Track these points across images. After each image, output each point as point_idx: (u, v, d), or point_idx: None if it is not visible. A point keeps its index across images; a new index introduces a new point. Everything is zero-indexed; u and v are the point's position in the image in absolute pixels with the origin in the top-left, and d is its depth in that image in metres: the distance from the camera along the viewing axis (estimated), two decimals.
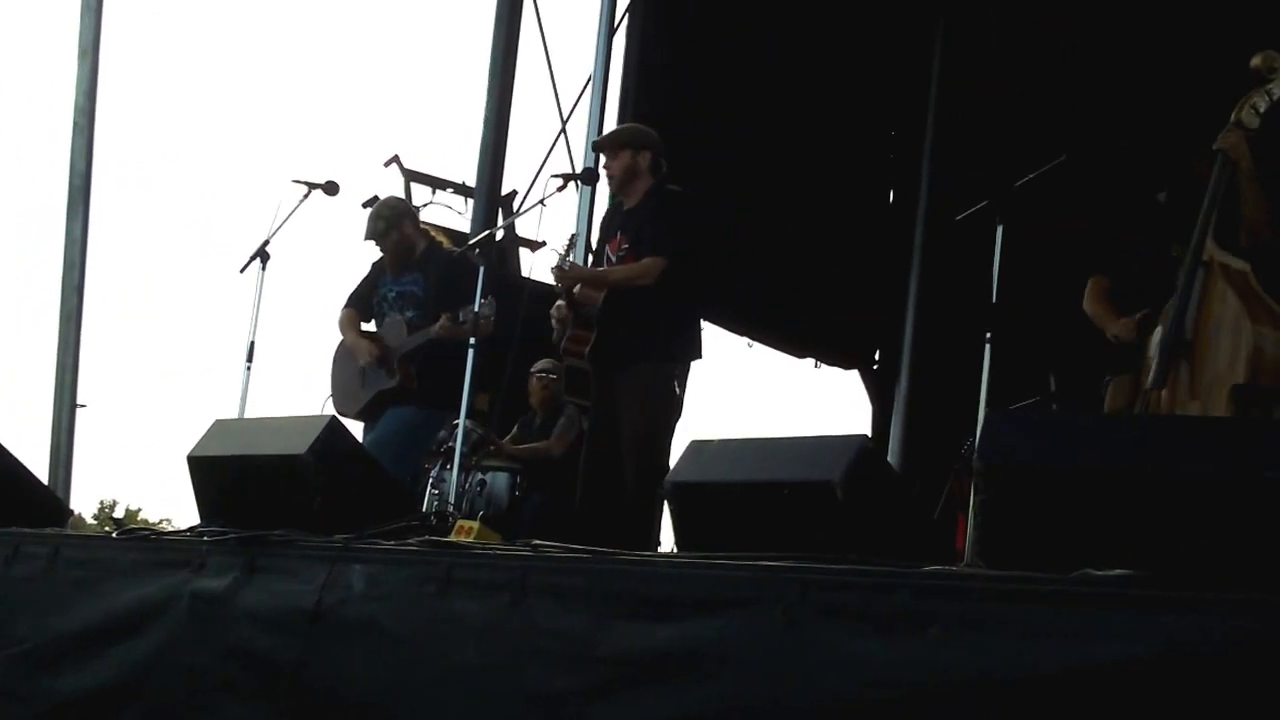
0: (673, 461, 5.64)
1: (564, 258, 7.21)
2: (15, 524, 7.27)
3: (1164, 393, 5.60)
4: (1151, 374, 5.64)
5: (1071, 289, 6.33)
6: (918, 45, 11.75)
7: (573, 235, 7.33)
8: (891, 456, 11.01)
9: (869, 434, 11.68)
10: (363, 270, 8.49)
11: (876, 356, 12.89)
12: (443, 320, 7.64)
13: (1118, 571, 3.91)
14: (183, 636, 5.84)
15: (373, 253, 8.48)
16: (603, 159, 7.46)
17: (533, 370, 9.70)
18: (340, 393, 8.39)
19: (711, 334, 11.54)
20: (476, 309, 7.27)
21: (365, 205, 8.52)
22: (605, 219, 7.69)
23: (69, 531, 8.06)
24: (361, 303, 8.40)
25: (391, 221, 8.27)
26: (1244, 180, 5.78)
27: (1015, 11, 11.27)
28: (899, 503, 5.23)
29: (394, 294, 8.22)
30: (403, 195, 11.46)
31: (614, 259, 7.23)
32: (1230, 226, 5.76)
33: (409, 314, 8.08)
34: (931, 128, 11.59)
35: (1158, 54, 10.32)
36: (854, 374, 13.05)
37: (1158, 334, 5.68)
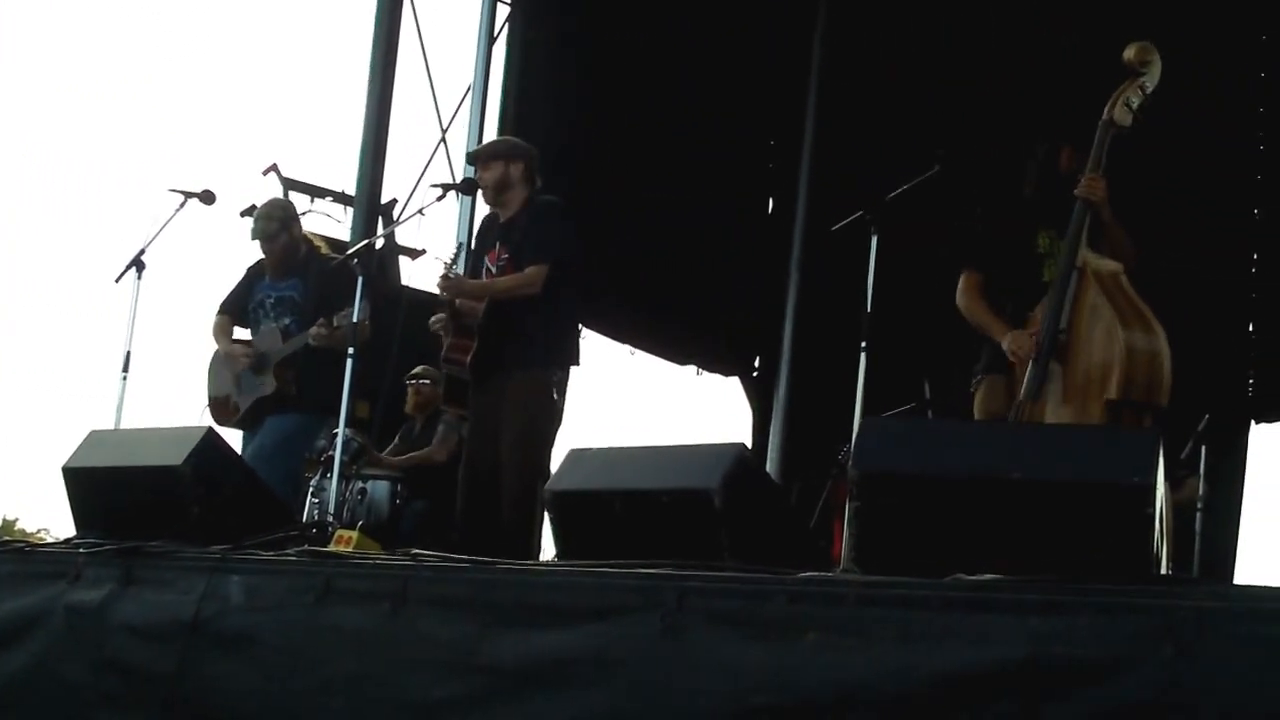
0: (553, 469, 5.67)
1: (450, 267, 7.21)
2: None
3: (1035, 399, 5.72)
4: (1025, 385, 5.75)
5: (945, 297, 6.43)
6: (796, 55, 11.84)
7: (459, 245, 7.33)
8: (771, 463, 11.07)
9: (749, 441, 11.77)
10: (237, 277, 8.44)
11: (756, 364, 12.96)
12: (317, 326, 7.62)
13: (988, 576, 3.99)
14: (58, 649, 5.78)
15: (246, 260, 8.44)
16: (477, 170, 7.48)
17: (407, 378, 9.68)
18: (217, 402, 8.33)
19: (593, 341, 11.59)
20: (354, 316, 7.26)
21: (244, 214, 8.47)
22: (481, 230, 7.70)
23: None
24: (235, 309, 8.35)
25: (284, 223, 8.26)
26: (1106, 224, 5.91)
27: (891, 23, 11.42)
28: (776, 510, 5.30)
29: (272, 299, 8.17)
30: None
31: (493, 269, 7.24)
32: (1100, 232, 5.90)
33: (286, 321, 8.04)
34: (810, 138, 11.66)
35: (1030, 53, 10.52)
36: (735, 381, 13.12)
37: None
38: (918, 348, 8.88)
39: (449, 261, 7.22)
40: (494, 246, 7.30)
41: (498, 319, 7.06)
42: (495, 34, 11.30)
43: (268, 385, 7.97)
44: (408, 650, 4.90)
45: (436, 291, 7.37)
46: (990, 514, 4.20)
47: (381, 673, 4.94)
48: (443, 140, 11.74)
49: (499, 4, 11.34)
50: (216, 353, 8.35)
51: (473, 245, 7.82)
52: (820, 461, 9.04)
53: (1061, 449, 4.37)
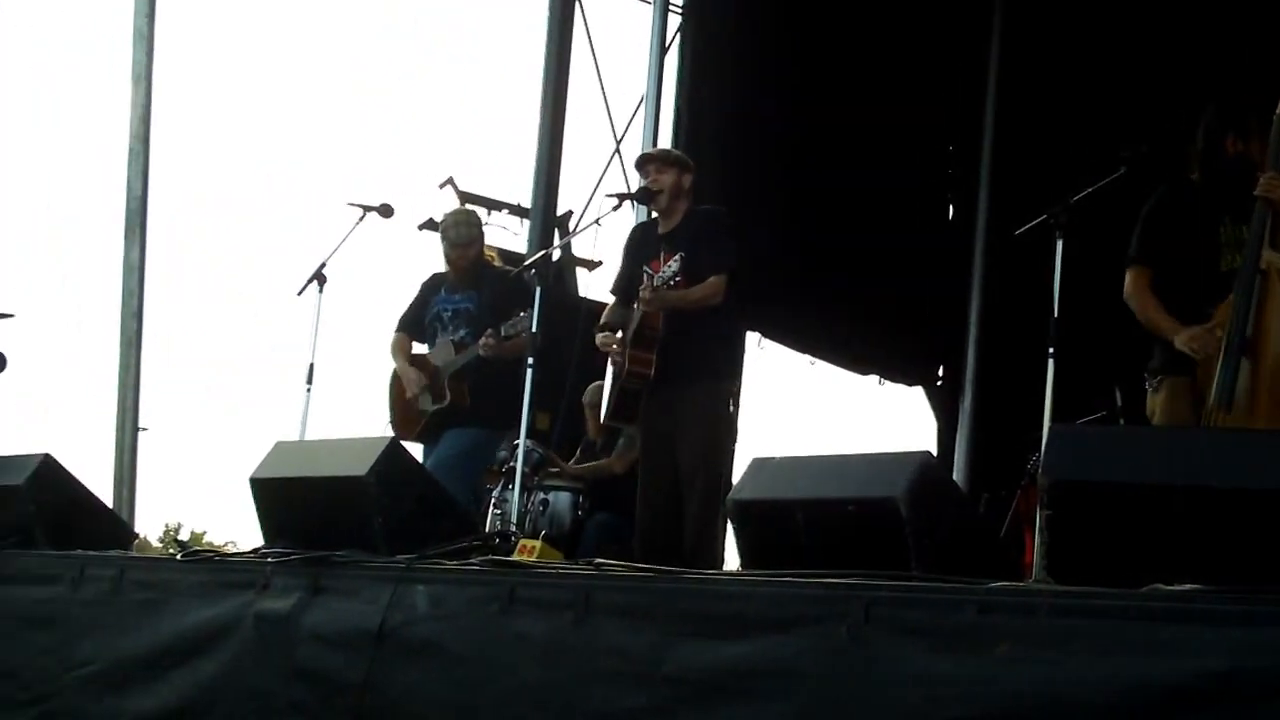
0: (734, 479, 5.63)
1: (667, 280, 7.15)
2: (80, 547, 7.32)
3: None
4: (1215, 389, 5.58)
5: None
6: (974, 60, 11.69)
7: (680, 257, 7.27)
8: (957, 473, 10.94)
9: (933, 451, 11.63)
10: (413, 292, 8.52)
11: (940, 373, 12.82)
12: (486, 337, 7.66)
13: (1186, 586, 3.88)
14: (248, 658, 5.86)
15: (424, 273, 8.51)
16: (645, 177, 7.44)
17: (585, 402, 9.67)
18: (398, 415, 8.42)
19: (773, 352, 11.55)
20: (532, 326, 7.29)
21: (421, 227, 8.55)
22: (637, 239, 7.68)
23: (134, 554, 8.10)
24: (412, 325, 8.42)
25: (479, 230, 8.35)
26: None
27: (1070, 24, 11.22)
28: (964, 519, 5.20)
29: (449, 311, 8.24)
30: None
31: (657, 281, 7.18)
32: None
33: (461, 333, 8.10)
34: (989, 142, 11.52)
35: (1212, 46, 10.26)
36: (918, 391, 13.00)
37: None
38: (1108, 353, 8.69)
39: (667, 274, 7.18)
40: (656, 256, 7.27)
41: (676, 331, 7.04)
42: (667, 44, 11.29)
43: (443, 398, 8.02)
44: (592, 660, 4.88)
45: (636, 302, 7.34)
46: (1187, 523, 4.08)
47: (565, 682, 4.93)
48: (617, 151, 11.79)
49: (670, 14, 11.34)
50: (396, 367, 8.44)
51: (624, 252, 7.81)
52: (1008, 471, 8.90)
53: (1260, 455, 4.23)
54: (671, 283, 7.05)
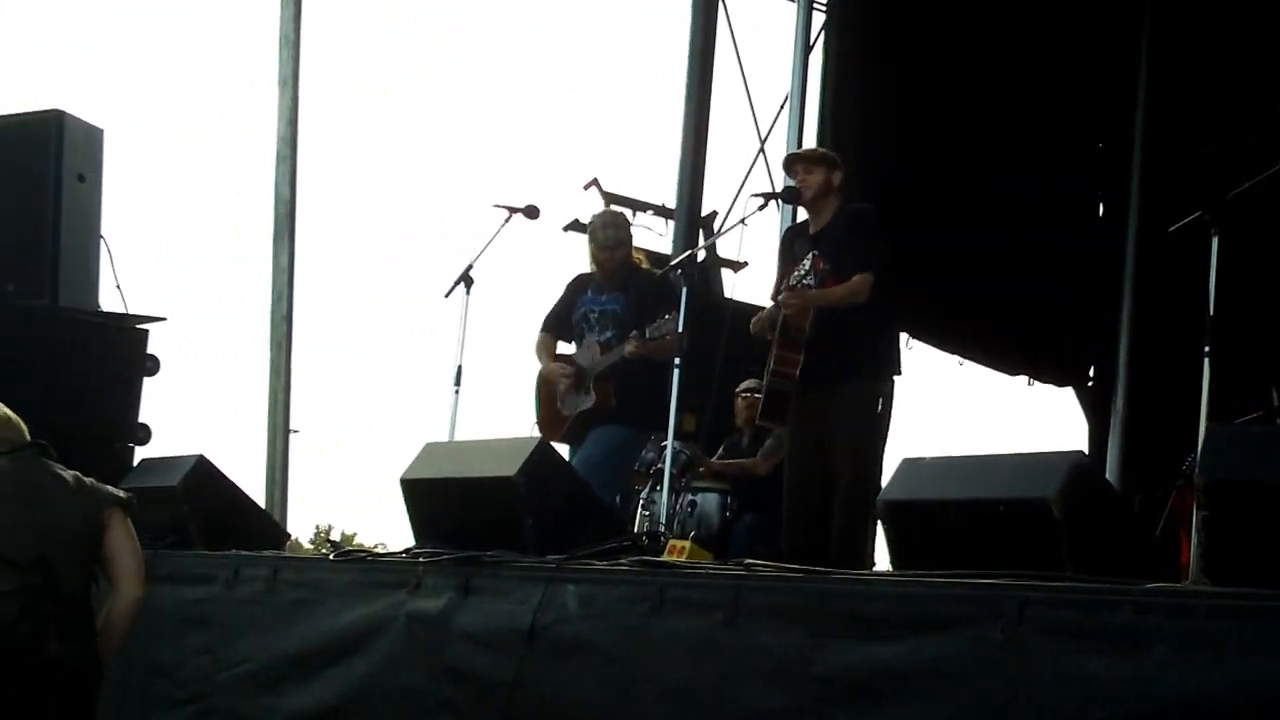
0: (884, 480, 5.60)
1: (801, 278, 7.14)
2: (234, 547, 7.44)
3: None
4: None
5: None
6: (1125, 55, 11.52)
7: (812, 257, 7.25)
8: (1110, 474, 10.76)
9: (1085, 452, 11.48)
10: (559, 293, 8.54)
11: (1091, 373, 12.64)
12: (631, 338, 7.67)
13: None
14: (400, 657, 5.93)
15: (569, 273, 8.54)
16: (794, 176, 7.42)
17: (739, 390, 9.66)
18: (545, 416, 8.44)
19: (922, 353, 11.45)
20: (679, 327, 7.28)
21: (566, 228, 8.57)
22: (788, 239, 7.65)
23: (287, 554, 8.22)
24: (558, 325, 8.43)
25: (627, 231, 8.37)
26: None
27: (1222, 16, 11.01)
28: (1118, 519, 5.13)
29: (595, 313, 8.24)
30: None
31: (809, 280, 7.16)
32: None
33: (608, 334, 8.09)
34: (1140, 139, 11.34)
35: None
36: (1068, 391, 12.82)
37: None
38: (1265, 353, 8.52)
39: (801, 274, 7.17)
40: (808, 255, 7.24)
41: (825, 330, 7.01)
42: (811, 43, 11.22)
43: (589, 399, 8.04)
44: (741, 660, 4.89)
45: (761, 304, 7.34)
46: None
47: (715, 682, 4.94)
48: (761, 150, 11.74)
49: (814, 12, 11.27)
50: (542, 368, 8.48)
51: (779, 255, 7.78)
52: (1162, 471, 8.75)
53: None
54: (808, 282, 7.04)
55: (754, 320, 7.37)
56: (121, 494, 5.27)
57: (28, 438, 5.28)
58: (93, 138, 9.52)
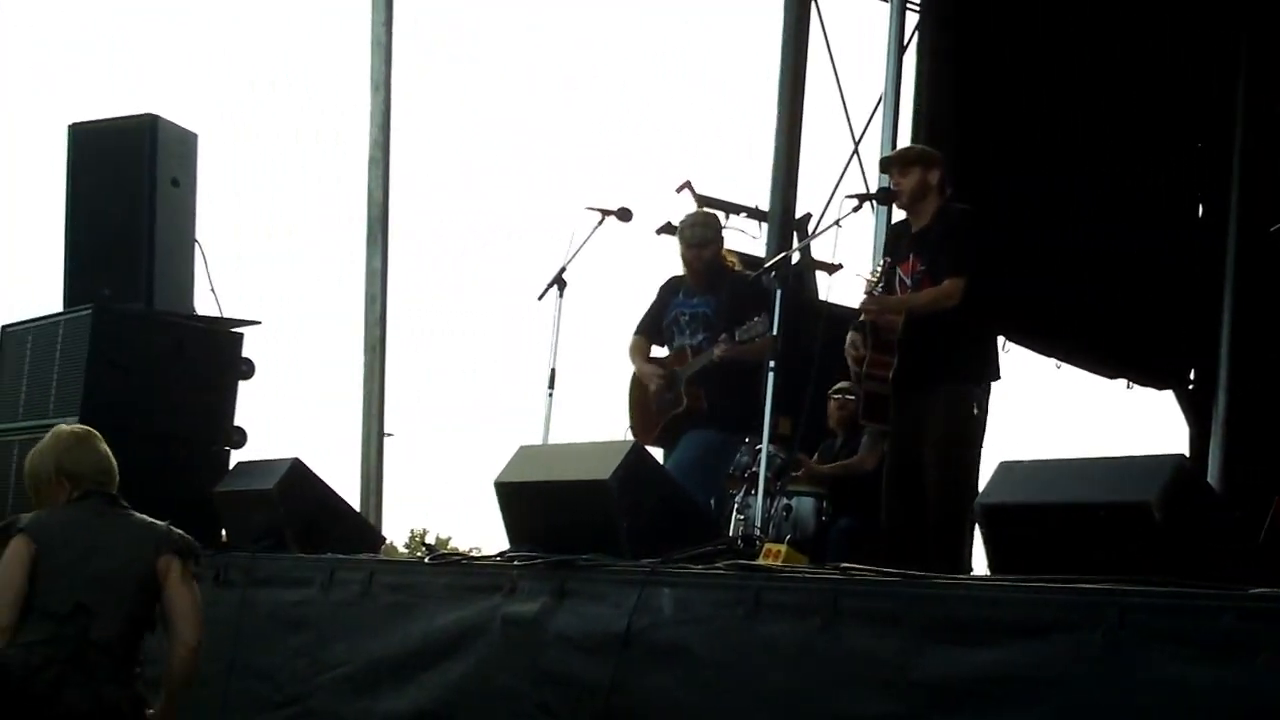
0: (980, 483, 5.55)
1: (875, 286, 7.12)
2: (329, 550, 7.47)
3: None
4: None
5: None
6: (1224, 54, 11.37)
7: (885, 261, 7.23)
8: (1211, 478, 10.61)
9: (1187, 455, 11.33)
10: (652, 296, 8.53)
11: (1191, 375, 12.48)
12: (720, 340, 7.65)
13: None
14: (496, 660, 5.93)
15: (662, 277, 8.52)
16: (891, 177, 7.38)
17: (831, 392, 9.61)
18: (638, 420, 8.44)
19: (1018, 356, 11.35)
20: (773, 329, 7.26)
21: (659, 231, 8.56)
22: (891, 239, 7.62)
23: (383, 557, 8.25)
24: (651, 328, 8.43)
25: (716, 231, 8.35)
26: None
27: None
28: (1220, 523, 5.05)
29: (686, 315, 8.23)
30: None
31: (908, 281, 7.13)
32: None
33: (699, 337, 8.09)
34: (1240, 138, 11.18)
35: None
36: (1168, 394, 12.67)
37: None
38: None
39: (873, 279, 7.14)
40: (907, 257, 7.20)
41: (917, 334, 6.96)
42: (905, 43, 11.15)
43: (679, 402, 8.02)
44: (838, 665, 4.86)
45: (857, 308, 7.31)
46: None
47: (812, 688, 4.91)
48: (856, 152, 11.67)
49: (908, 12, 11.21)
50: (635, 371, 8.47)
51: (883, 255, 7.74)
52: (1266, 475, 8.63)
53: None
54: (882, 287, 7.03)
55: (851, 330, 7.33)
56: (184, 542, 5.34)
57: (106, 485, 5.36)
58: (186, 142, 9.60)
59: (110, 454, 5.42)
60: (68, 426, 5.55)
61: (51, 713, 4.99)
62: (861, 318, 7.16)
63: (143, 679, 5.23)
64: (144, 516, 5.35)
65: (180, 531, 5.36)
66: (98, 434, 5.47)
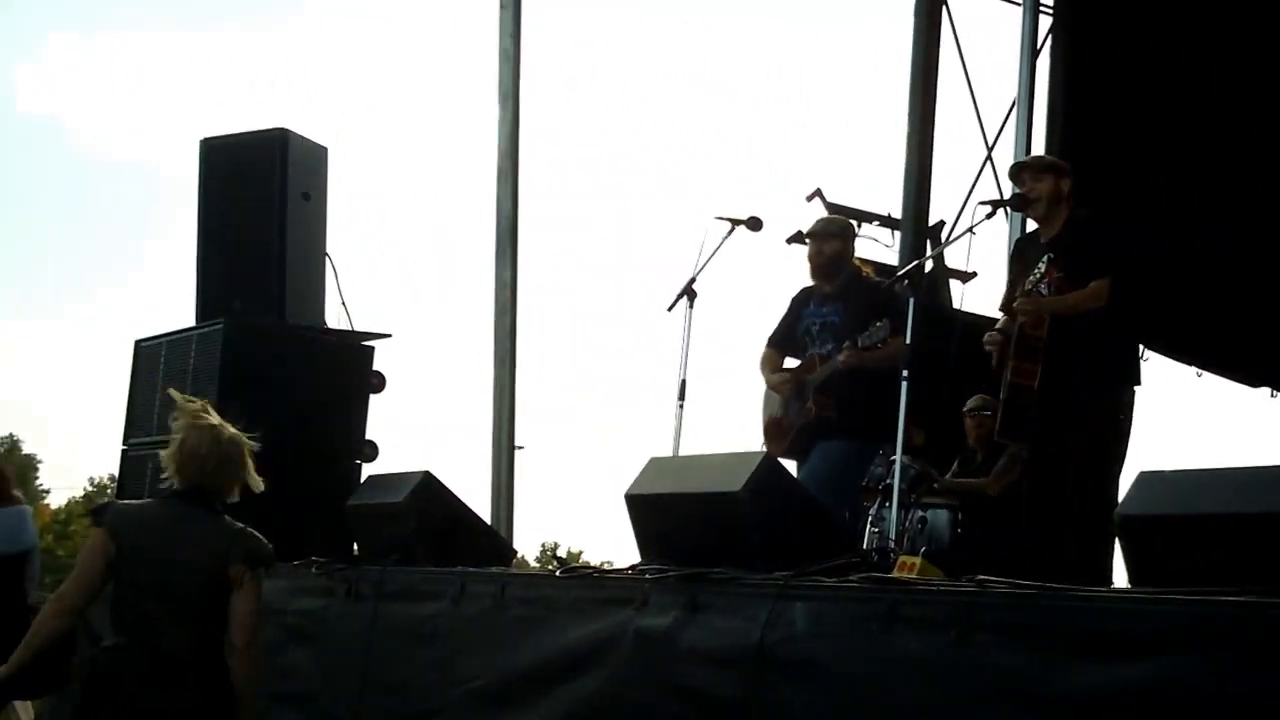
0: (1122, 493, 5.44)
1: (1036, 284, 7.02)
2: (460, 563, 7.47)
3: None
4: None
5: None
6: None
7: (1046, 262, 7.12)
8: None
9: None
10: (783, 306, 8.48)
11: None
12: (844, 349, 7.59)
13: None
14: (628, 674, 5.88)
15: (793, 286, 8.47)
16: (1021, 185, 7.29)
17: (966, 409, 9.49)
18: (769, 431, 8.39)
19: (1158, 364, 11.16)
20: (887, 335, 7.20)
21: (790, 240, 8.50)
22: (1019, 250, 7.53)
23: (514, 570, 8.24)
24: (783, 339, 8.39)
25: (841, 229, 8.31)
26: None
27: None
28: None
29: (816, 325, 8.19)
30: None
31: (1044, 292, 7.04)
32: None
33: (828, 346, 8.04)
34: None
35: None
36: None
37: None
38: None
39: (1035, 279, 7.04)
40: (1040, 268, 7.11)
41: (1062, 339, 6.86)
42: (1039, 46, 11.03)
43: (808, 412, 7.96)
44: (974, 679, 4.76)
45: (991, 314, 7.22)
46: None
47: (947, 703, 4.82)
48: (989, 157, 11.57)
49: (1041, 15, 11.08)
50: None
51: (1008, 268, 7.64)
52: None
53: None
54: (1042, 289, 6.92)
55: (987, 336, 7.23)
56: (256, 552, 5.44)
57: (203, 481, 5.45)
58: (317, 155, 9.69)
59: (232, 469, 5.50)
60: (214, 426, 5.58)
61: (131, 716, 5.18)
62: (1019, 319, 7.03)
63: (225, 680, 5.33)
64: (223, 520, 5.45)
65: (256, 539, 5.47)
66: (239, 446, 5.54)
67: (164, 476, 5.56)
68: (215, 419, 5.59)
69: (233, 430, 5.57)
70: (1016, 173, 7.47)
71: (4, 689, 6.60)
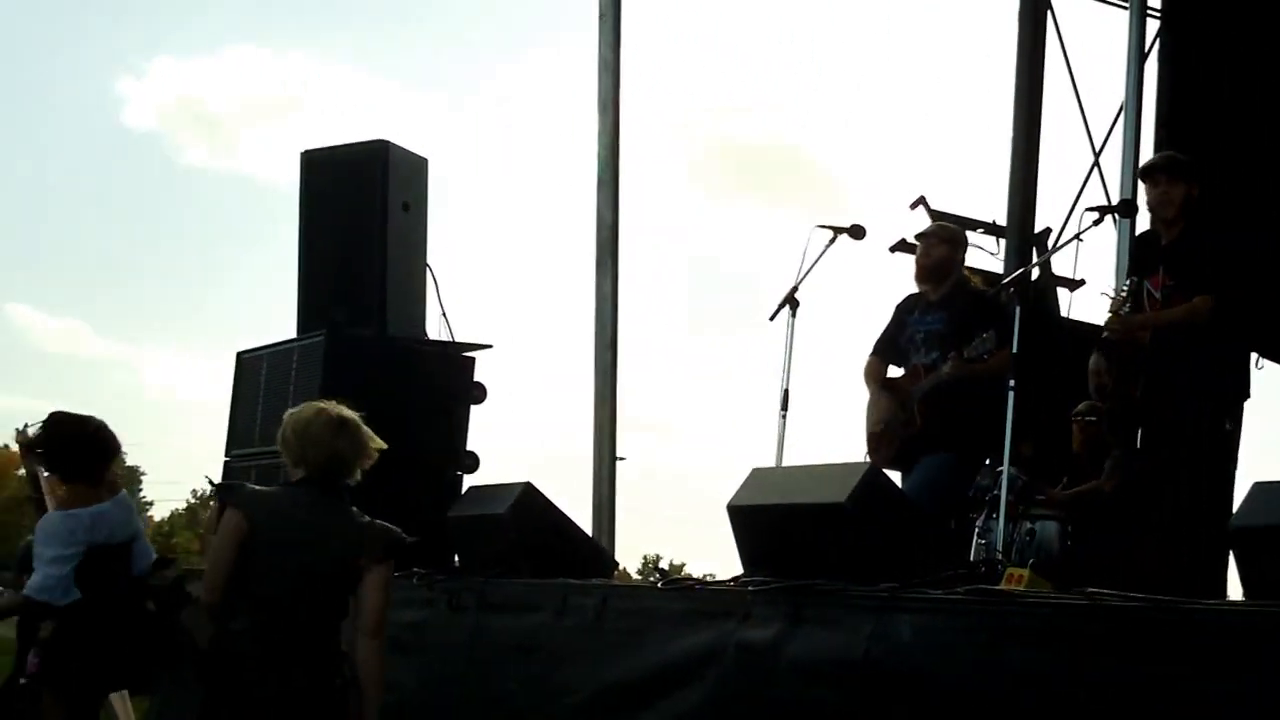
0: (1236, 503, 5.33)
1: (1122, 305, 6.90)
2: (561, 575, 7.42)
3: None
4: None
5: None
6: None
7: (1131, 281, 7.00)
8: None
9: None
10: (887, 315, 8.39)
11: None
12: (950, 359, 7.49)
13: None
14: (731, 687, 5.82)
15: (896, 295, 8.38)
16: (1155, 186, 7.12)
17: (1073, 415, 9.34)
18: (873, 442, 8.30)
19: (1273, 372, 10.94)
20: (993, 347, 7.09)
21: (893, 249, 8.42)
22: (1139, 250, 7.39)
23: (616, 582, 8.19)
24: (888, 349, 8.30)
25: (950, 234, 8.22)
26: None
27: None
28: None
29: (921, 334, 8.09)
30: None
31: (1157, 295, 6.92)
32: None
33: (932, 355, 7.94)
34: None
35: None
36: None
37: None
38: None
39: (1120, 298, 6.92)
40: (1157, 271, 6.99)
41: (1165, 351, 6.75)
42: (1146, 51, 10.85)
43: (913, 423, 7.87)
44: (1084, 694, 4.66)
45: (1100, 325, 7.11)
46: None
47: (1058, 717, 4.72)
48: (1096, 164, 11.41)
49: (1148, 18, 10.90)
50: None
51: (1129, 269, 7.51)
52: None
53: None
54: (1129, 301, 6.82)
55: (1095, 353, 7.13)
56: (390, 543, 5.47)
57: (333, 473, 5.47)
58: (417, 167, 9.70)
59: (359, 447, 5.52)
60: (332, 407, 5.60)
61: (258, 699, 5.20)
62: (1105, 335, 6.94)
63: (348, 668, 5.37)
64: (352, 509, 5.47)
65: (387, 528, 5.50)
66: (357, 423, 5.56)
67: (287, 466, 5.59)
68: (327, 402, 5.62)
69: (343, 408, 5.60)
70: (1150, 172, 7.28)
71: (108, 680, 6.69)
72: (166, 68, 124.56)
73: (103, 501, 6.53)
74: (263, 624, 5.25)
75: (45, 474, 6.91)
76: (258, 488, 5.63)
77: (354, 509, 5.47)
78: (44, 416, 6.72)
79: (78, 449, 6.59)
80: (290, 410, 5.64)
